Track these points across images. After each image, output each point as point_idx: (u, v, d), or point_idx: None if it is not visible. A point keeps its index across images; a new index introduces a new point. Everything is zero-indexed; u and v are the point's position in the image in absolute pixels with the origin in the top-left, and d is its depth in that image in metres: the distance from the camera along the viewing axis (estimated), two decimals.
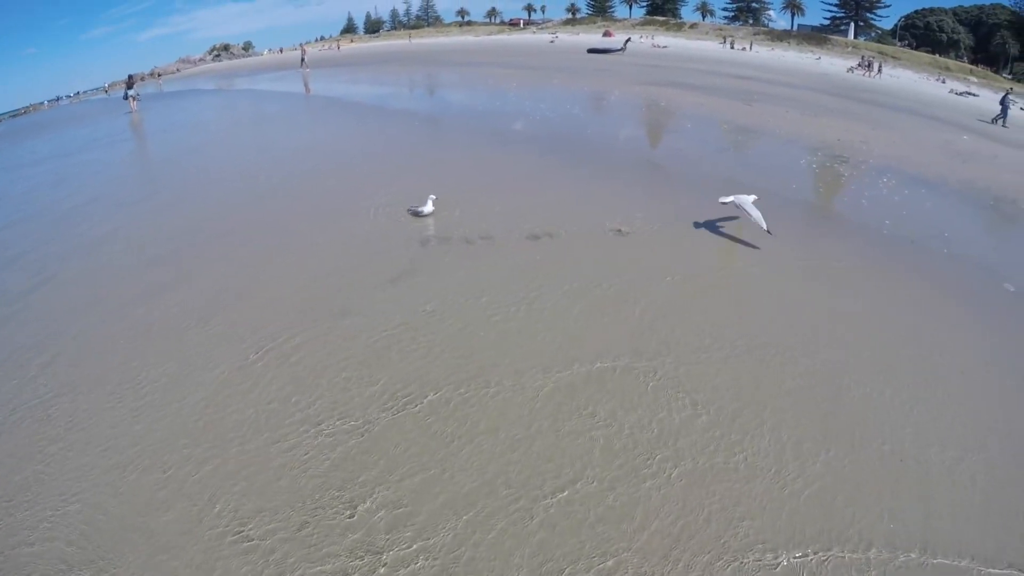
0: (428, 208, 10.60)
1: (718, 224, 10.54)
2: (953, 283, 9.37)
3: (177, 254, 9.89)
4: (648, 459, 5.13)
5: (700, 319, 7.43)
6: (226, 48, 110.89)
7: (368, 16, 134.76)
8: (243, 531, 4.49)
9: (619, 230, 10.08)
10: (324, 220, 11.04)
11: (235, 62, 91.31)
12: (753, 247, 9.73)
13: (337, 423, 5.56)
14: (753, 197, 10.13)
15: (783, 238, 10.08)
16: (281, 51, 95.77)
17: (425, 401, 5.85)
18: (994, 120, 31.45)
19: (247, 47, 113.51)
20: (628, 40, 58.92)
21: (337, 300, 7.85)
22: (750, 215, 9.84)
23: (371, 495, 4.76)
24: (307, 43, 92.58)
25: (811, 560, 4.29)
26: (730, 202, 10.18)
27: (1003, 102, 32.62)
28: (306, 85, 38.30)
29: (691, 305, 7.80)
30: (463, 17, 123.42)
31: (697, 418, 5.66)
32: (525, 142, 17.65)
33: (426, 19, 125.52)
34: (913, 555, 4.40)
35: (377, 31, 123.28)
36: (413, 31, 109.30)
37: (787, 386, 6.23)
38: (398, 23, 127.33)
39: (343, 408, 5.77)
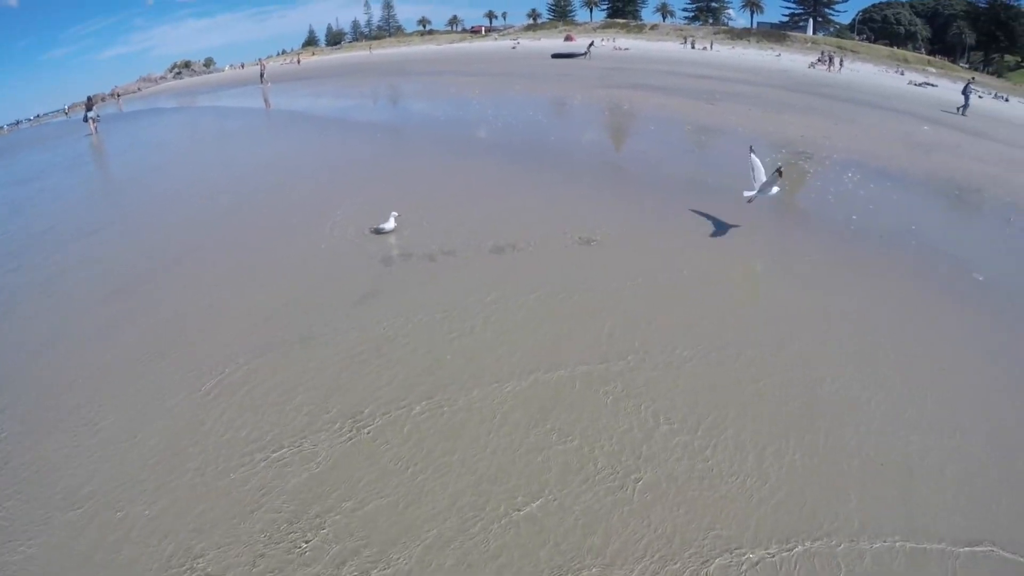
0: (390, 225, 10.49)
1: (684, 226, 10.57)
2: (923, 275, 9.51)
3: (140, 279, 9.62)
4: (611, 473, 5.08)
5: (664, 323, 7.43)
6: (187, 65, 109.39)
7: (329, 28, 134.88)
8: (198, 568, 4.36)
9: (583, 237, 10.05)
10: (287, 236, 10.90)
11: (196, 79, 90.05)
12: (720, 247, 9.77)
13: (289, 453, 5.43)
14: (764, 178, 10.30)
15: (752, 237, 10.18)
16: (243, 66, 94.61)
17: (379, 425, 5.74)
18: (958, 109, 31.83)
19: (208, 63, 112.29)
20: (592, 44, 58.93)
21: (295, 326, 7.68)
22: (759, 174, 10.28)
23: (324, 526, 4.64)
24: (267, 58, 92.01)
25: (776, 559, 4.29)
26: (754, 195, 10.36)
27: (965, 91, 33.12)
28: (266, 100, 38.19)
29: (655, 310, 7.78)
30: (424, 26, 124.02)
31: (658, 427, 5.62)
32: (488, 150, 17.67)
33: (388, 30, 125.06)
34: (888, 542, 4.44)
35: (339, 43, 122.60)
36: (374, 42, 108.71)
37: (755, 388, 6.23)
38: (360, 34, 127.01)
39: (296, 438, 5.62)
